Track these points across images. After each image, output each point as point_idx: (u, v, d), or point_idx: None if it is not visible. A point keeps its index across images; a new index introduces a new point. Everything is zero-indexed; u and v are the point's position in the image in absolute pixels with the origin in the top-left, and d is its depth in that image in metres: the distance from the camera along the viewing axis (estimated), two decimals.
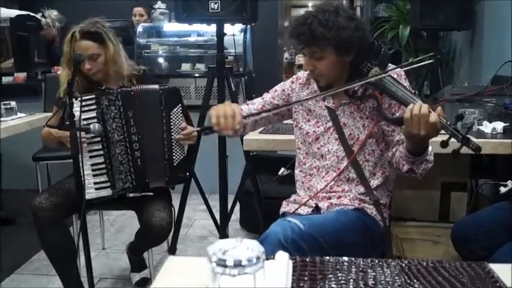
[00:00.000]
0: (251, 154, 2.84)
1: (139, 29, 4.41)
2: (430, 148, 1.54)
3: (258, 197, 2.80)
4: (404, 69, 1.67)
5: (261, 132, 2.26)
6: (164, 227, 2.11)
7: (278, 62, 5.82)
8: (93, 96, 2.06)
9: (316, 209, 1.70)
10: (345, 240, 1.52)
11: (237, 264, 0.74)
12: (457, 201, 2.51)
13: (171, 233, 2.39)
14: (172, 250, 2.76)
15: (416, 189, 2.45)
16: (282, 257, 0.92)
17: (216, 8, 2.54)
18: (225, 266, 0.74)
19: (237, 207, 3.15)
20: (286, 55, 7.90)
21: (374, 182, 1.71)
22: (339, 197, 1.69)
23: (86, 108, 2.01)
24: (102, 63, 2.16)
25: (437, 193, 2.51)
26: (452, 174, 2.49)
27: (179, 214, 2.74)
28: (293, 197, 1.82)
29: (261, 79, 4.28)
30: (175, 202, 2.42)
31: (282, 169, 3.10)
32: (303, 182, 1.79)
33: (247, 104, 1.90)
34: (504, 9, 3.25)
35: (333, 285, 0.90)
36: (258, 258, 0.75)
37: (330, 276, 0.93)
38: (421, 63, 1.56)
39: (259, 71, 4.58)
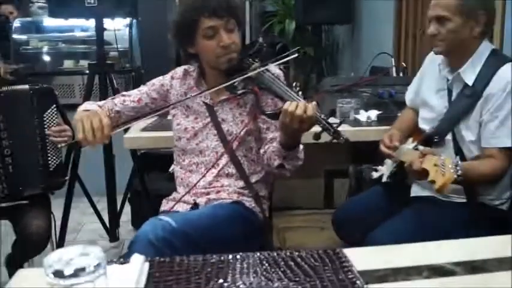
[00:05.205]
0: (139, 152, 2.76)
1: (16, 23, 4.09)
2: (301, 146, 1.59)
3: (147, 195, 2.73)
4: (277, 63, 1.68)
5: (142, 130, 2.20)
6: (41, 234, 2.00)
7: (168, 57, 5.71)
8: None
9: (195, 206, 1.68)
10: (222, 234, 1.51)
11: (74, 274, 0.70)
12: (340, 187, 2.61)
13: (55, 241, 2.26)
14: None
15: (301, 178, 2.51)
16: (137, 260, 0.89)
17: (92, 2, 2.44)
18: (62, 277, 0.70)
19: (129, 208, 3.07)
20: None
21: (253, 178, 1.73)
22: (218, 192, 1.68)
23: None
24: None
25: (321, 181, 2.60)
26: (335, 162, 2.59)
27: (63, 219, 2.58)
28: (173, 194, 1.79)
29: (151, 75, 4.15)
30: (60, 207, 2.29)
31: (173, 166, 3.05)
32: (182, 179, 1.76)
33: (123, 96, 1.80)
34: (380, 4, 3.45)
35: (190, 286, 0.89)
36: (98, 265, 0.72)
37: (186, 276, 0.92)
38: (286, 58, 1.60)
39: (149, 67, 4.46)
